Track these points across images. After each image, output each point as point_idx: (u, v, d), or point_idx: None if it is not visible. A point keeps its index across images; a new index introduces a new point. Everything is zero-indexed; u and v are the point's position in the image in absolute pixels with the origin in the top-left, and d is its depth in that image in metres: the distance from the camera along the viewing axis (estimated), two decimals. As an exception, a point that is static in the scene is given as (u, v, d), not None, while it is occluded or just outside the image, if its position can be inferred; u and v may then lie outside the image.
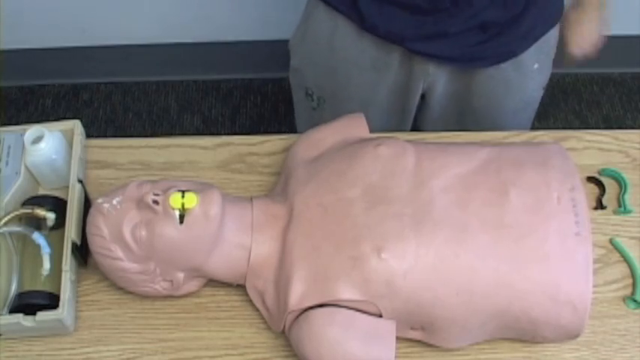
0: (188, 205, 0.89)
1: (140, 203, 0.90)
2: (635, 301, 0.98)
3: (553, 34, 1.16)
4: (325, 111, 1.26)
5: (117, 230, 0.91)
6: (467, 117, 1.23)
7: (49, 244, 0.96)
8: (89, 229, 0.93)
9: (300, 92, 1.30)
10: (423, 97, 1.23)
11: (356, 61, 1.17)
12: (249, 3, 1.93)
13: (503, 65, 1.13)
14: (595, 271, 0.92)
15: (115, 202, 0.92)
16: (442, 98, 1.21)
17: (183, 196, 0.90)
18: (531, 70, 1.16)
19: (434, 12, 1.01)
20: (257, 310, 0.96)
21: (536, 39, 1.13)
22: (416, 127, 1.30)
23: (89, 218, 0.94)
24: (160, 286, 0.95)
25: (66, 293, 0.93)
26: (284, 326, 0.91)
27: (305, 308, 0.89)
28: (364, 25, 1.11)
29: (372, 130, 1.04)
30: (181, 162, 1.11)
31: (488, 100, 1.19)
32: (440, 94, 1.21)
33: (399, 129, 1.25)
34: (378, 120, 1.20)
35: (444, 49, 1.09)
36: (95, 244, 0.92)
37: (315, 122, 1.16)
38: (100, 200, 0.93)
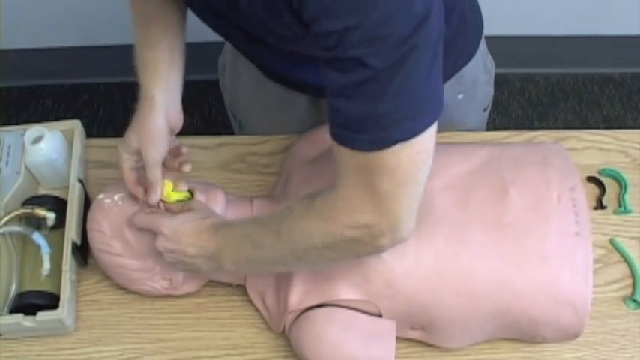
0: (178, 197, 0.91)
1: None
2: (635, 301, 0.98)
3: (471, 68, 1.07)
4: (246, 134, 1.21)
5: (118, 226, 0.91)
6: None
7: (49, 244, 0.96)
8: (90, 225, 0.93)
9: (229, 110, 1.27)
10: None
11: (263, 99, 1.12)
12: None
13: None
14: (595, 271, 0.92)
15: (116, 197, 0.92)
16: None
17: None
18: (455, 100, 1.09)
19: None
20: (257, 310, 0.96)
21: (447, 78, 1.04)
22: None
23: (90, 213, 0.94)
24: (159, 285, 0.95)
25: (66, 293, 0.93)
26: (284, 326, 0.91)
27: (305, 308, 0.89)
28: (265, 72, 1.07)
29: None
30: (181, 162, 1.11)
31: None
32: None
33: None
34: None
35: None
36: (95, 239, 0.92)
37: None
38: (101, 196, 0.93)
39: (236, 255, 0.84)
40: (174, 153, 0.94)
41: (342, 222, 0.74)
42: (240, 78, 1.15)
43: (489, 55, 1.13)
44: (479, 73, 1.10)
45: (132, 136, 0.89)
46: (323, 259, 0.80)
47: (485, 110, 1.18)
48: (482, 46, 1.09)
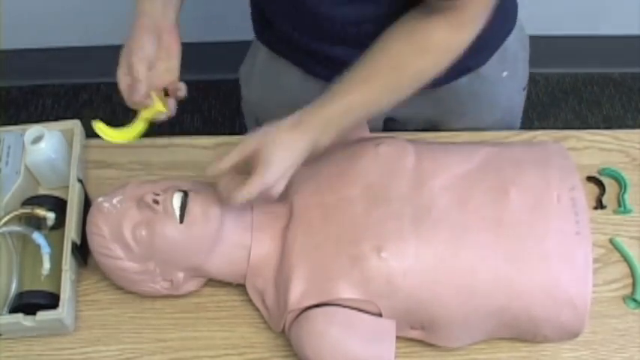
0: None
1: (140, 203, 0.90)
2: (634, 300, 0.98)
3: (512, 42, 1.08)
4: None
5: (117, 229, 0.91)
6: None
7: (49, 243, 0.96)
8: (89, 228, 0.93)
9: (250, 120, 1.27)
10: (387, 121, 1.17)
11: (304, 99, 1.12)
12: (249, 3, 1.93)
13: (464, 79, 1.07)
14: (595, 271, 0.92)
15: (115, 201, 0.92)
16: (410, 121, 1.15)
17: (185, 196, 0.90)
18: (500, 79, 1.10)
19: None
20: (257, 309, 0.96)
21: (493, 51, 1.07)
22: None
23: (89, 217, 0.94)
24: (160, 286, 0.95)
25: (66, 293, 0.93)
26: (284, 326, 0.91)
27: (305, 308, 0.89)
28: (308, 70, 1.08)
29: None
30: (181, 162, 1.11)
31: (461, 114, 1.12)
32: (406, 117, 1.14)
33: None
34: None
35: None
36: (95, 243, 0.92)
37: None
38: (100, 199, 0.93)
39: (335, 130, 0.87)
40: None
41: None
42: (277, 80, 1.14)
43: (524, 31, 1.14)
44: (518, 48, 1.11)
45: None
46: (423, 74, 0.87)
47: (524, 90, 1.19)
48: (519, 20, 1.10)
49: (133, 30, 0.94)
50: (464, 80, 1.07)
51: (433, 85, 0.92)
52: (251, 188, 0.84)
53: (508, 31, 1.08)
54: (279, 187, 0.86)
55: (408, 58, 0.86)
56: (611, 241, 1.03)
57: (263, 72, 1.17)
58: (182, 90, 0.95)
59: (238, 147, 0.87)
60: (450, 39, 0.85)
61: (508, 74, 1.10)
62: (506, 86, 1.12)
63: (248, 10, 1.19)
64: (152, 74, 0.93)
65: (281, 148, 0.85)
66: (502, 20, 1.04)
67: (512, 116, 1.20)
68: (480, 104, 1.12)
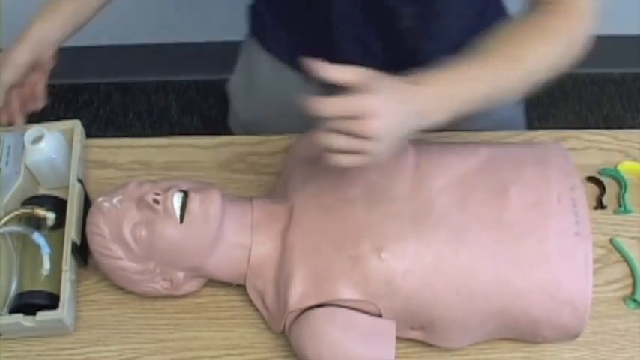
0: None
1: (140, 203, 0.90)
2: (635, 301, 0.98)
3: None
4: None
5: (117, 229, 0.91)
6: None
7: (49, 244, 0.96)
8: (89, 228, 0.93)
9: (240, 129, 1.27)
10: None
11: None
12: (249, 3, 1.93)
13: None
14: (595, 271, 0.92)
15: (115, 201, 0.92)
16: None
17: (185, 196, 0.90)
18: None
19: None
20: (257, 310, 0.96)
21: None
22: None
23: (89, 217, 0.94)
24: (160, 286, 0.95)
25: (66, 293, 0.93)
26: (284, 326, 0.91)
27: (305, 308, 0.89)
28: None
29: None
30: (181, 162, 1.11)
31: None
32: None
33: None
34: None
35: None
36: (95, 243, 0.93)
37: None
38: (100, 199, 0.93)
39: (451, 101, 0.81)
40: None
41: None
42: (278, 86, 1.14)
43: None
44: None
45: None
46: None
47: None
48: None
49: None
50: None
51: None
52: (343, 103, 0.74)
53: None
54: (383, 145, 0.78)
55: (528, 36, 0.89)
56: (611, 241, 1.03)
57: (262, 84, 1.16)
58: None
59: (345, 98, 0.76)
60: (567, 25, 0.93)
61: None
62: None
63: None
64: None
65: (393, 96, 0.77)
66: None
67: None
68: None
